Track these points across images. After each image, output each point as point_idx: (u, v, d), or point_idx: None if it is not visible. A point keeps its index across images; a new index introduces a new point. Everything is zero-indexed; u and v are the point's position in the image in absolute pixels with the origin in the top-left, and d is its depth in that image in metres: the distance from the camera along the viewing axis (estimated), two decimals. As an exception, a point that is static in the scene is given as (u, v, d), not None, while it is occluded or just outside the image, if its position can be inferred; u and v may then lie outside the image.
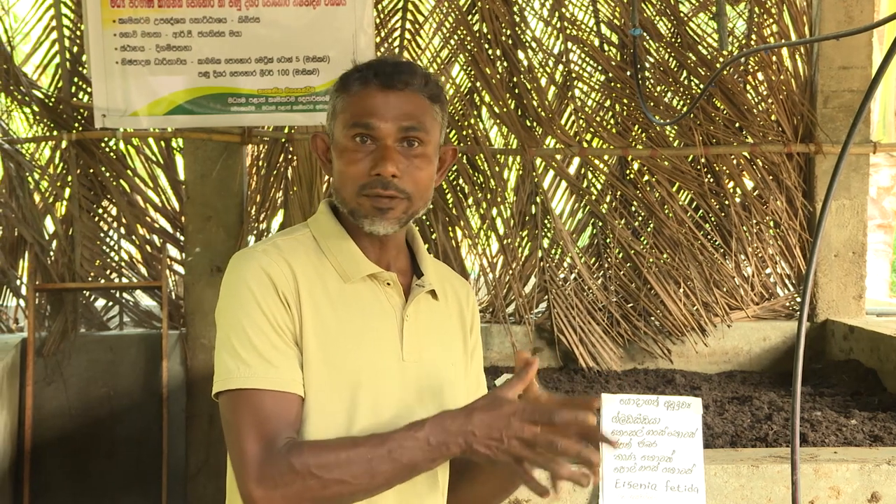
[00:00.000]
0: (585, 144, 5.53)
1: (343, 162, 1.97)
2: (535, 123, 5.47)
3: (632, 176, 5.52)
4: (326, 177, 4.88)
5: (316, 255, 2.02)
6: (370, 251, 2.04)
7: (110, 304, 5.46)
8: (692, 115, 5.36)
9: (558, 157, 5.47)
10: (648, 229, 5.47)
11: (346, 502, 1.82)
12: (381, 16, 5.51)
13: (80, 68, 5.24)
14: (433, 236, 5.40)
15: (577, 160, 5.54)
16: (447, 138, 2.11)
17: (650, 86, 5.56)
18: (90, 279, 5.24)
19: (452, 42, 5.56)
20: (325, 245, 2.03)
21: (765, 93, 5.57)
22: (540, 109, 5.47)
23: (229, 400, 1.88)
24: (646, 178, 5.50)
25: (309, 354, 1.93)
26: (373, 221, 1.97)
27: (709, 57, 5.48)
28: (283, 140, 5.26)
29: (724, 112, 5.48)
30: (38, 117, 5.28)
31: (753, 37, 5.58)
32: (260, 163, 5.37)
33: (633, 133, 5.54)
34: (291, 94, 4.60)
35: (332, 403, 1.94)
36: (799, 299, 5.47)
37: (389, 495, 1.88)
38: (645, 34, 5.42)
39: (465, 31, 5.46)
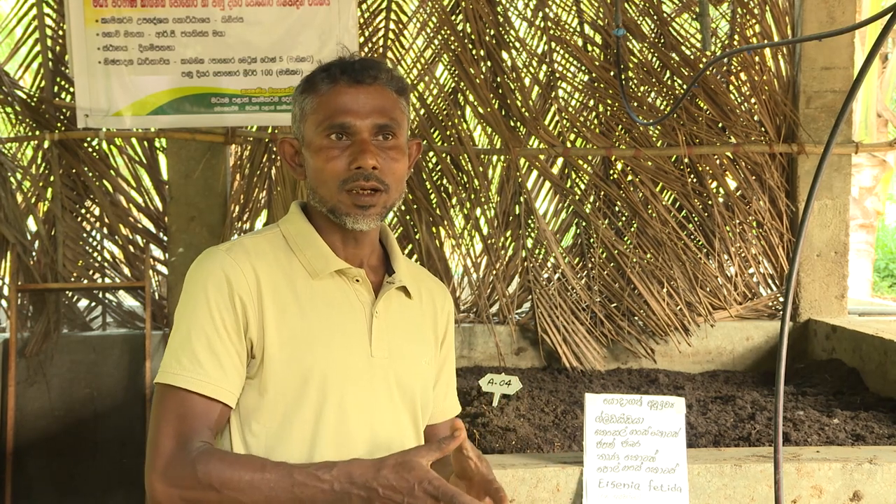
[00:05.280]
0: (569, 144, 5.54)
1: (320, 160, 1.99)
2: (518, 123, 5.48)
3: (615, 176, 5.53)
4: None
5: (284, 254, 2.04)
6: (341, 249, 2.06)
7: (93, 304, 5.44)
8: (675, 116, 5.37)
9: (542, 157, 5.48)
10: (632, 229, 5.48)
11: None
12: (365, 16, 5.51)
13: (63, 68, 5.22)
14: (417, 236, 5.40)
15: (560, 160, 5.55)
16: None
17: (633, 86, 5.56)
18: (73, 279, 5.22)
19: (436, 42, 5.56)
20: (294, 243, 2.05)
21: (747, 93, 5.59)
22: (524, 109, 5.48)
23: (159, 392, 1.93)
24: (629, 178, 5.51)
25: (272, 353, 1.95)
26: (355, 219, 1.99)
27: (692, 57, 5.50)
28: (267, 140, 5.25)
29: (707, 112, 5.49)
30: (20, 117, 5.25)
31: (736, 37, 5.59)
32: (243, 163, 5.35)
33: (617, 133, 5.55)
34: (275, 94, 4.60)
35: (299, 401, 1.96)
36: (782, 299, 5.49)
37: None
38: (628, 34, 5.42)
39: (448, 31, 5.46)
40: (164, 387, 1.91)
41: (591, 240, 5.49)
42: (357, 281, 2.05)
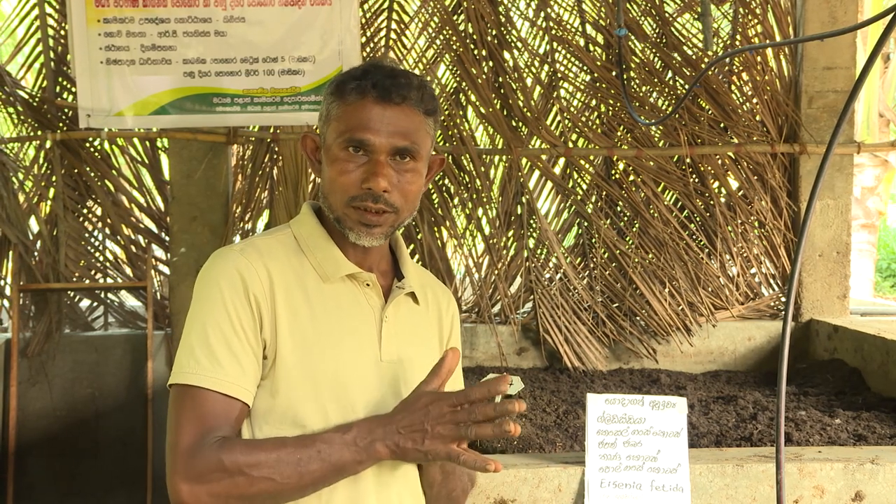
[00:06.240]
0: (571, 144, 5.54)
1: (334, 170, 1.98)
2: (520, 123, 5.48)
3: (617, 176, 5.53)
4: (312, 177, 4.88)
5: (296, 256, 2.03)
6: (351, 253, 2.05)
7: (95, 304, 5.44)
8: (677, 116, 5.37)
9: (544, 157, 5.48)
10: (634, 229, 5.48)
11: (272, 501, 1.84)
12: (367, 16, 5.51)
13: (65, 68, 5.22)
14: (419, 236, 5.40)
15: (562, 160, 5.55)
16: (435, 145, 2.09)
17: (635, 86, 5.56)
18: (75, 279, 5.22)
19: (438, 42, 5.56)
20: (305, 245, 2.05)
21: (749, 93, 5.59)
22: (525, 109, 5.47)
23: (176, 393, 1.90)
24: (631, 178, 5.50)
25: (284, 355, 1.94)
26: (358, 235, 1.99)
27: (694, 57, 5.50)
28: (269, 140, 5.25)
29: (709, 112, 5.49)
30: (22, 117, 5.25)
31: (738, 37, 5.59)
32: (245, 163, 5.35)
33: (619, 133, 5.55)
34: (277, 94, 4.59)
35: (308, 403, 1.95)
36: (784, 299, 5.49)
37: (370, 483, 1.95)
38: (630, 34, 5.43)
39: (450, 31, 5.46)
40: (181, 387, 1.88)
41: (593, 240, 5.49)
42: (367, 285, 2.05)
